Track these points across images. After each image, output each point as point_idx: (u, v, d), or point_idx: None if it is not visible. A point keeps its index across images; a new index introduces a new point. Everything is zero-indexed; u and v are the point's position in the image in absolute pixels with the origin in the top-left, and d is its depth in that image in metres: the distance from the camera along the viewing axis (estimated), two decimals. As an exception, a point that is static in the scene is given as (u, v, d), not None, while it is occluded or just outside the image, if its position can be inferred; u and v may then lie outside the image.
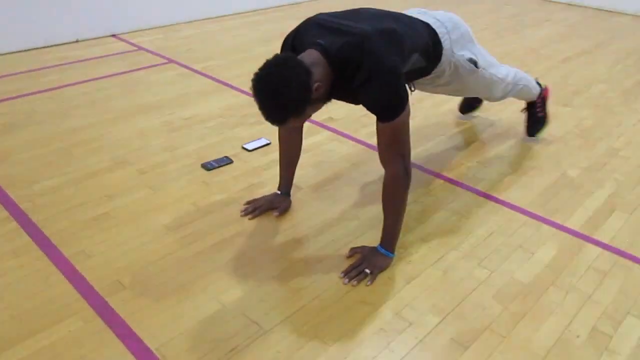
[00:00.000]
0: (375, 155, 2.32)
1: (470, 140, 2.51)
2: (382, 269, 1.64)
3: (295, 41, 1.58)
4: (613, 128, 2.68)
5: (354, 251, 1.71)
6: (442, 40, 1.77)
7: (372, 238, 1.75)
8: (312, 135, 2.51)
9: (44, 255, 1.67)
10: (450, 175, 2.21)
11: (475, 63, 1.90)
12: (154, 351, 1.34)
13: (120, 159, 2.26)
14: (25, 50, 3.59)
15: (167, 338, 1.38)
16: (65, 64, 3.37)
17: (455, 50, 1.82)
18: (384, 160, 1.57)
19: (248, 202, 1.94)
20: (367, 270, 1.61)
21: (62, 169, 2.16)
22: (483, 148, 2.44)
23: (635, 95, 3.08)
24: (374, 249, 1.68)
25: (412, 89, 1.92)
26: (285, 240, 1.78)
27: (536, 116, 2.46)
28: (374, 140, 2.44)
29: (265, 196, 1.96)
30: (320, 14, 1.61)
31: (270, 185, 2.06)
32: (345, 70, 1.46)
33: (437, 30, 1.77)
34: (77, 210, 1.90)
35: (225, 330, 1.41)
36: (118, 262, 1.65)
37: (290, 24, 1.65)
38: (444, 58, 1.79)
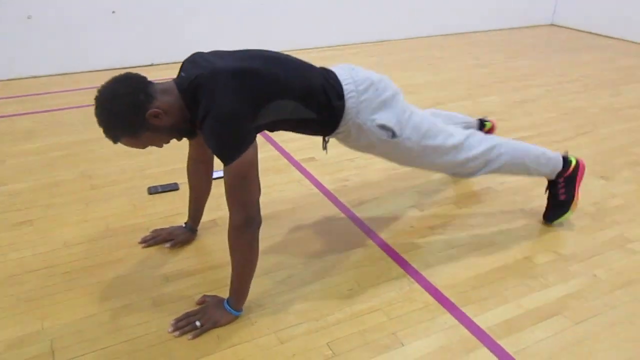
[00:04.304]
0: (322, 204, 2.17)
1: (439, 198, 2.20)
2: (217, 325, 1.50)
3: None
4: (646, 213, 2.13)
5: (203, 299, 1.59)
6: (346, 96, 1.60)
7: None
8: (277, 173, 2.42)
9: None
10: (384, 235, 1.95)
11: (391, 131, 1.65)
12: (-53, 357, 1.39)
13: (89, 173, 2.42)
14: (102, 70, 4.07)
15: (-32, 347, 1.42)
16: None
17: (362, 110, 1.62)
18: (228, 207, 1.44)
19: (154, 231, 1.93)
20: (198, 323, 1.48)
21: (35, 176, 2.38)
22: (451, 210, 2.11)
23: None
24: (221, 301, 1.54)
25: (325, 145, 1.79)
26: (156, 274, 1.73)
27: (557, 199, 2.00)
28: (334, 187, 2.30)
29: (170, 227, 1.93)
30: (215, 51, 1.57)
31: (193, 218, 2.03)
32: (192, 105, 1.41)
33: (344, 85, 1.61)
34: (10, 215, 2.07)
35: (23, 354, 1.41)
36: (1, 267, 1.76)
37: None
38: (347, 117, 1.62)
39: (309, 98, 1.53)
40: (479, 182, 2.36)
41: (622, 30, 5.36)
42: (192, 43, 4.35)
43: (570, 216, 2.01)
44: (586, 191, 2.28)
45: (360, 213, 2.11)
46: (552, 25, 6.08)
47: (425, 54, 4.69)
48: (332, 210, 2.13)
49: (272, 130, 1.61)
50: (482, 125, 2.35)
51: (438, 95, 3.55)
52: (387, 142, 1.66)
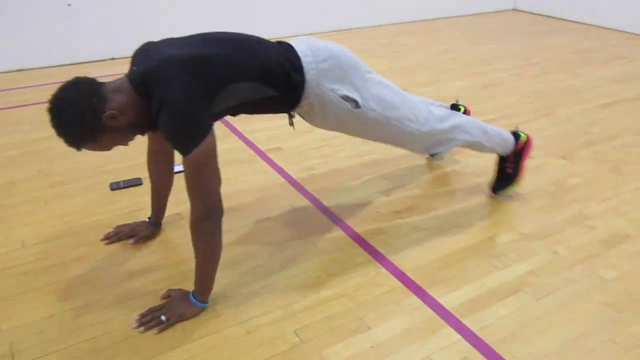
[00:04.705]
0: (288, 193, 2.17)
1: (405, 183, 2.21)
2: (182, 318, 1.48)
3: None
4: (603, 191, 2.19)
5: (168, 293, 1.57)
6: (305, 68, 1.56)
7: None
8: (243, 164, 2.40)
9: None
10: (350, 222, 1.95)
11: (355, 102, 1.64)
12: None
13: (47, 171, 2.35)
14: (59, 66, 3.95)
15: None
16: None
17: (323, 82, 1.58)
18: (188, 198, 1.41)
19: (117, 227, 1.90)
20: (163, 318, 1.47)
21: (-8, 175, 2.31)
22: (416, 194, 2.14)
23: (663, 153, 2.51)
24: (186, 294, 1.53)
25: (292, 122, 1.74)
26: (119, 270, 1.70)
27: (504, 172, 2.11)
28: (300, 176, 2.30)
29: (133, 222, 1.90)
30: (166, 39, 1.53)
31: (157, 212, 1.99)
32: (147, 99, 1.37)
33: (302, 58, 1.57)
34: (-32, 215, 2.01)
35: (-20, 356, 1.37)
36: (-46, 270, 1.70)
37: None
38: (308, 90, 1.58)
39: (266, 77, 1.49)
40: (443, 165, 2.39)
41: (581, 14, 5.47)
42: (154, 36, 4.26)
43: (514, 189, 2.10)
44: (547, 171, 2.34)
45: (326, 201, 2.11)
46: (514, 10, 6.17)
47: (391, 42, 4.71)
48: (299, 199, 2.13)
49: (234, 115, 1.58)
50: (455, 110, 2.35)
51: (403, 82, 3.57)
52: (351, 114, 1.64)
